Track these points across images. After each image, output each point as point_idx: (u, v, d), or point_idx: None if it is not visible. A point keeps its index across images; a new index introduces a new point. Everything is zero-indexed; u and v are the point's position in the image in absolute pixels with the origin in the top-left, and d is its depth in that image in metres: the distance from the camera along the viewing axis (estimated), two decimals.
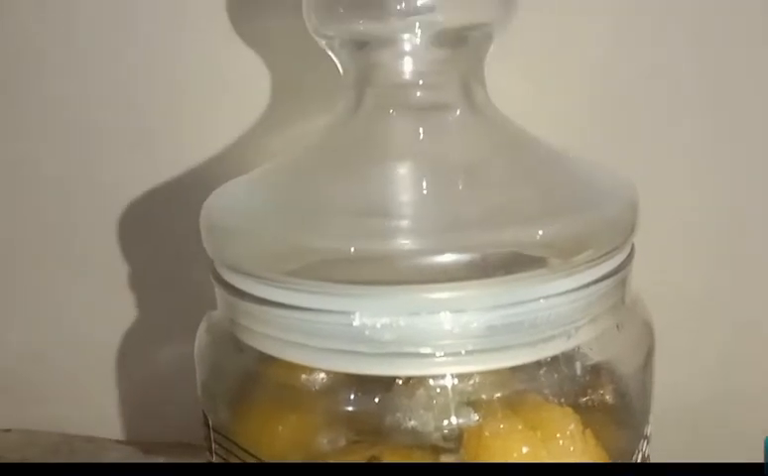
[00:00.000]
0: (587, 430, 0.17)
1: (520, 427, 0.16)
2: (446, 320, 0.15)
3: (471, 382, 0.16)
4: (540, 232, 0.16)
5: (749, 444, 0.37)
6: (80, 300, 0.37)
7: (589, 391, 0.17)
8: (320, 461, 0.17)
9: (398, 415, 0.16)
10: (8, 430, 0.43)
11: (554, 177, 0.18)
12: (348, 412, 0.16)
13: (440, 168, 0.18)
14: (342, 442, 0.17)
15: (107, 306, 0.37)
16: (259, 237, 0.17)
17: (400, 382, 0.16)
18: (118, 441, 0.42)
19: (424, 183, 0.17)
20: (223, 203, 0.18)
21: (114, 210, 0.32)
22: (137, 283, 0.35)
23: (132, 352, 0.39)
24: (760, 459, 0.38)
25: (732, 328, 0.33)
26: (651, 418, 0.19)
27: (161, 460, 0.40)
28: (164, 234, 0.32)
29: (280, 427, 0.18)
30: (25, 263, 0.37)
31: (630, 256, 0.18)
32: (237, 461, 0.18)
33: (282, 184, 0.19)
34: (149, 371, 0.39)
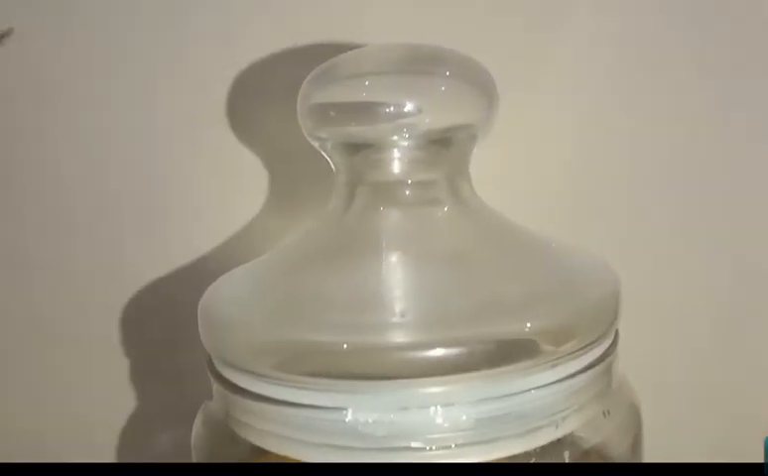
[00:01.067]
0: None
1: None
2: (436, 414, 0.15)
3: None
4: (528, 324, 0.16)
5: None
6: (80, 384, 0.37)
7: None
8: None
9: None
10: None
11: (539, 266, 0.19)
12: None
13: (428, 262, 0.18)
14: None
15: (106, 391, 0.37)
16: (249, 331, 0.17)
17: None
18: None
19: (413, 277, 0.18)
20: (218, 297, 0.19)
21: (115, 297, 0.33)
22: (136, 369, 0.35)
23: (130, 436, 0.38)
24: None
25: (727, 420, 0.33)
26: None
27: None
28: (164, 322, 0.33)
29: None
30: (23, 343, 0.37)
31: (615, 342, 0.19)
32: None
33: (274, 278, 0.19)
34: (147, 457, 0.39)
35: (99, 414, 0.38)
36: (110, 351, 0.35)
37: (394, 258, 0.18)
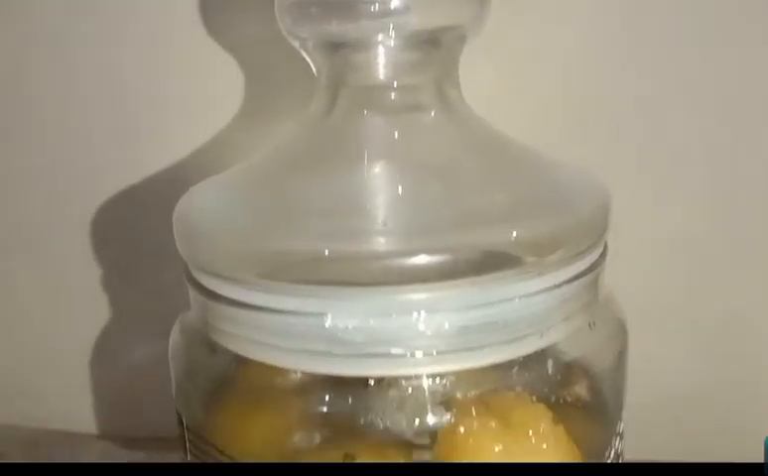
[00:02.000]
0: (560, 427, 0.17)
1: (493, 425, 0.16)
2: (418, 321, 0.15)
3: (444, 381, 0.16)
4: (513, 234, 0.16)
5: (730, 438, 0.37)
6: (56, 299, 0.37)
7: (562, 388, 0.18)
8: (295, 460, 0.17)
9: (371, 415, 0.16)
10: None
11: (527, 177, 0.18)
12: (322, 412, 0.16)
13: (413, 169, 0.18)
14: (317, 441, 0.17)
15: (82, 305, 0.36)
16: (231, 239, 0.17)
17: (373, 383, 0.16)
18: (96, 436, 0.42)
19: (397, 185, 0.18)
20: (195, 205, 0.18)
21: (89, 208, 0.32)
22: (112, 281, 0.35)
23: (108, 350, 0.39)
24: (740, 453, 0.38)
25: (713, 322, 0.34)
26: (624, 416, 0.20)
27: (140, 455, 0.40)
28: (138, 233, 0.32)
29: (254, 428, 0.18)
30: (0, 263, 0.37)
31: (603, 255, 0.19)
32: (211, 461, 0.18)
33: (254, 185, 0.19)
34: (125, 368, 0.39)
35: (75, 325, 0.38)
36: (85, 261, 0.35)
37: (377, 165, 0.18)
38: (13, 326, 0.39)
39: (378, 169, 0.18)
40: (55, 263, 0.35)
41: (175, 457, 0.45)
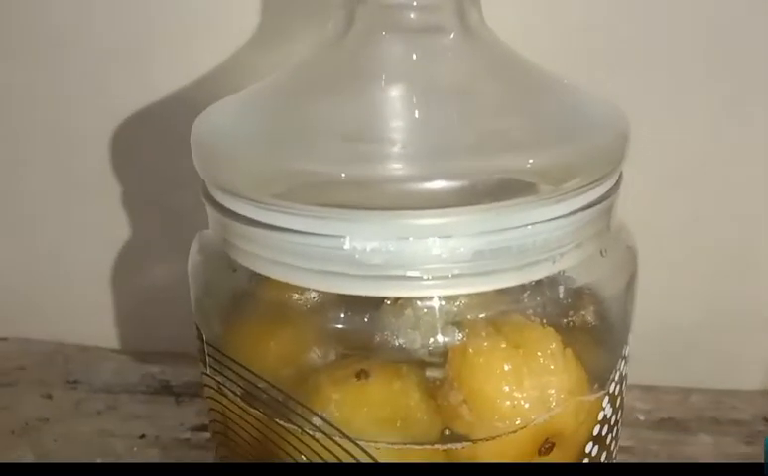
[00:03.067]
0: (568, 350, 0.18)
1: (503, 346, 0.17)
2: (433, 245, 0.15)
3: (457, 303, 0.16)
4: (530, 161, 0.16)
5: (725, 367, 0.38)
6: (75, 217, 0.37)
7: (571, 313, 0.18)
8: (310, 375, 0.18)
9: (386, 333, 0.16)
10: (5, 339, 0.43)
11: (546, 104, 0.18)
12: (338, 329, 0.17)
13: (432, 92, 0.18)
14: (333, 357, 0.17)
15: (101, 223, 0.37)
16: (249, 159, 0.17)
17: (388, 303, 0.16)
18: (112, 350, 0.43)
19: (415, 108, 0.17)
20: (213, 124, 0.18)
21: (109, 129, 0.32)
22: (130, 200, 0.36)
23: (126, 267, 0.39)
24: (739, 381, 0.39)
25: (717, 255, 0.34)
26: (630, 339, 0.20)
27: (154, 369, 0.41)
28: (157, 152, 0.32)
29: (272, 343, 0.18)
30: (20, 180, 0.37)
31: (618, 184, 0.19)
32: (231, 374, 0.18)
33: (272, 106, 0.18)
34: (143, 285, 0.40)
35: (95, 243, 0.38)
36: (104, 181, 0.35)
37: (396, 87, 0.18)
38: (33, 244, 0.39)
39: (396, 91, 0.18)
40: (74, 182, 0.36)
41: (188, 371, 0.46)
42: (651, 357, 0.33)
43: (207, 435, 0.36)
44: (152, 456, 0.35)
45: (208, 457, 0.34)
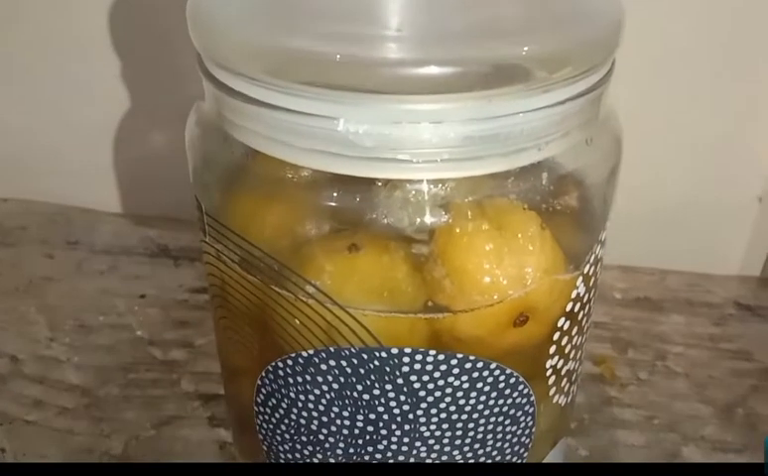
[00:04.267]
0: (547, 232, 0.19)
1: (486, 227, 0.18)
2: (425, 130, 0.16)
3: (445, 186, 0.17)
4: (525, 48, 0.16)
5: (704, 252, 0.40)
6: (75, 82, 0.37)
7: (553, 198, 0.19)
8: (305, 247, 0.19)
9: (376, 212, 0.17)
10: (5, 200, 0.44)
11: None
12: (331, 206, 0.18)
13: None
14: (326, 230, 0.18)
15: (101, 89, 0.37)
16: (244, 34, 0.17)
17: (380, 184, 0.17)
18: (112, 214, 0.44)
19: None
20: None
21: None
22: (132, 62, 0.35)
23: (126, 133, 0.40)
24: (711, 265, 0.41)
25: (701, 142, 0.35)
26: (607, 225, 0.21)
27: (152, 232, 0.43)
28: (154, 21, 0.32)
29: (267, 216, 0.19)
30: (20, 44, 0.37)
31: (609, 73, 0.19)
32: (228, 243, 0.19)
33: None
34: (142, 150, 0.40)
35: (94, 111, 0.38)
36: (103, 49, 0.35)
37: None
38: (36, 107, 0.39)
39: None
40: (73, 50, 0.35)
41: (185, 236, 0.47)
42: (632, 239, 0.34)
43: (205, 297, 0.38)
44: (152, 315, 0.37)
45: (206, 317, 0.37)
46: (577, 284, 0.20)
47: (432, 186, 0.17)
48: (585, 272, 0.20)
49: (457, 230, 0.18)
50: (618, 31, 0.18)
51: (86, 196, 0.43)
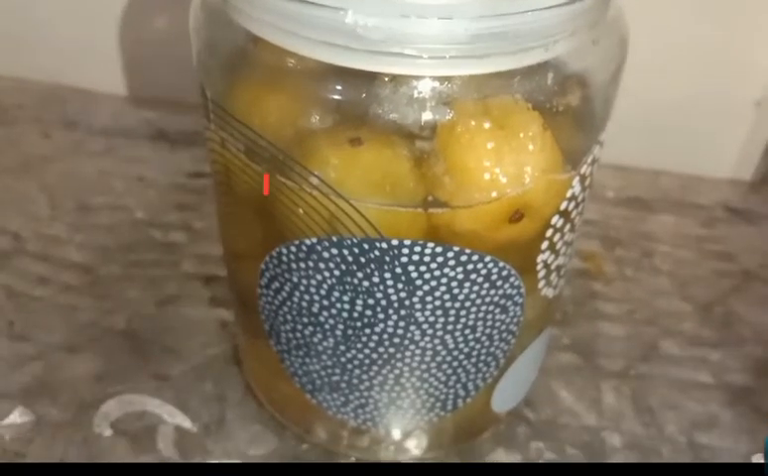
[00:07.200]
0: (548, 132, 0.19)
1: (488, 125, 0.18)
2: (433, 25, 0.16)
3: (450, 84, 0.17)
4: None
5: (698, 154, 0.40)
6: None
7: (557, 98, 0.19)
8: (307, 138, 0.19)
9: (381, 107, 0.17)
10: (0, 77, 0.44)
11: None
12: (336, 99, 0.18)
13: None
14: (329, 123, 0.19)
15: None
16: None
17: (385, 79, 0.17)
18: (109, 95, 0.44)
19: None
20: None
21: None
22: None
23: (125, 11, 0.38)
24: (704, 167, 0.42)
25: (703, 45, 0.34)
26: (607, 126, 0.21)
27: (150, 114, 0.42)
28: None
29: (271, 105, 0.19)
30: None
31: None
32: (233, 132, 0.20)
33: None
34: (143, 33, 0.39)
35: None
36: None
37: None
38: None
39: None
40: None
41: (183, 119, 0.47)
42: (628, 139, 0.34)
43: (203, 181, 0.39)
44: (150, 197, 0.37)
45: (205, 201, 0.37)
46: (573, 183, 0.20)
47: (437, 83, 0.17)
48: (582, 172, 0.21)
49: (459, 128, 0.18)
50: None
51: (82, 76, 0.42)
